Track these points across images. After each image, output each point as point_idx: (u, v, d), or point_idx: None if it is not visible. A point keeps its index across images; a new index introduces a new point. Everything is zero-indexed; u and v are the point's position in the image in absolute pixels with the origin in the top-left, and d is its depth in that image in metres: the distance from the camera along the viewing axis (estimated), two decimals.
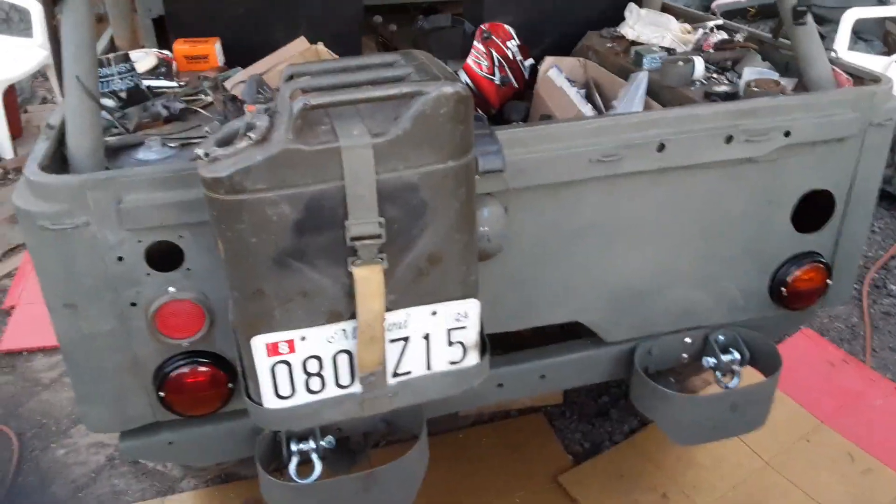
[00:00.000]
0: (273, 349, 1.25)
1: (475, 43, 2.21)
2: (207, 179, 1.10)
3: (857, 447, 2.37)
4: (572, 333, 1.84)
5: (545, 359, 1.81)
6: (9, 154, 4.31)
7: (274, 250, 1.16)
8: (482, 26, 2.24)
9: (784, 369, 1.77)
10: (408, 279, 1.24)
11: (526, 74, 2.30)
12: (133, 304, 1.41)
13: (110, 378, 1.47)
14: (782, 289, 1.79)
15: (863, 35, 4.88)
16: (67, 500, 2.29)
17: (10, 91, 4.34)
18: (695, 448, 2.36)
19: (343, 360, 1.30)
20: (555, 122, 1.96)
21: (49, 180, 1.30)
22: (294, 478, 1.52)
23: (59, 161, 1.39)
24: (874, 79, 1.75)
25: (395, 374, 1.33)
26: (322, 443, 1.56)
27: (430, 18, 2.72)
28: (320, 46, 1.99)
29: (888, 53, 4.62)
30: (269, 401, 1.30)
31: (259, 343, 1.24)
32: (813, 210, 1.74)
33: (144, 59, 1.95)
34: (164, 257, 1.38)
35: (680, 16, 2.42)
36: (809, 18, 1.72)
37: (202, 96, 1.81)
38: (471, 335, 1.35)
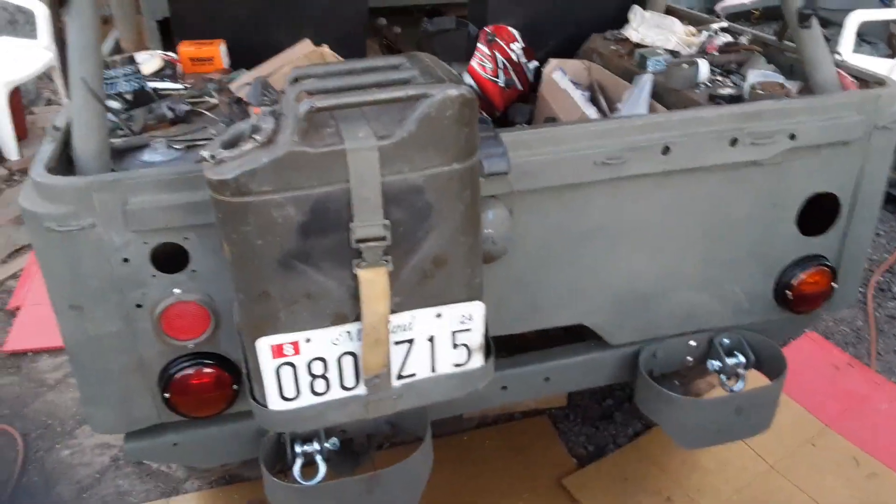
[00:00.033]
0: (278, 351, 1.25)
1: (479, 45, 2.21)
2: (213, 181, 1.11)
3: (863, 451, 2.36)
4: (577, 336, 1.84)
5: (549, 361, 1.81)
6: (14, 155, 4.32)
7: (279, 252, 1.16)
8: (486, 29, 2.24)
9: (789, 373, 1.76)
10: (413, 281, 1.24)
11: (530, 77, 2.30)
12: (138, 306, 1.41)
13: (116, 379, 1.47)
14: (787, 292, 1.79)
15: (867, 38, 4.88)
16: (72, 500, 2.29)
17: (16, 92, 4.35)
18: (699, 451, 2.35)
19: (348, 361, 1.30)
20: (559, 124, 1.96)
21: (55, 182, 1.30)
22: (298, 479, 1.53)
23: (65, 163, 1.39)
24: (879, 82, 1.75)
25: (400, 377, 1.33)
26: (326, 444, 1.56)
27: (434, 21, 2.73)
28: (325, 49, 2.00)
29: (892, 56, 4.61)
30: (274, 402, 1.30)
31: (264, 345, 1.24)
32: (818, 213, 1.74)
33: (150, 61, 1.95)
34: (170, 259, 1.38)
35: (684, 18, 2.42)
36: (814, 21, 1.71)
37: (207, 98, 1.82)
38: (475, 338, 1.35)
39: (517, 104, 2.29)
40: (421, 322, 1.29)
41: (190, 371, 1.47)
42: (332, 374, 1.30)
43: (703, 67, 1.98)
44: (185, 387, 1.48)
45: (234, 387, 1.51)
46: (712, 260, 1.73)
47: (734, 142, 1.58)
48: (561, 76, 2.16)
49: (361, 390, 1.33)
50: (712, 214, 1.67)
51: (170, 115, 1.69)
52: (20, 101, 4.54)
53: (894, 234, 3.65)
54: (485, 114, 1.82)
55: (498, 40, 2.23)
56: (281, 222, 1.13)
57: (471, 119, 1.16)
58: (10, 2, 4.59)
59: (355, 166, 1.12)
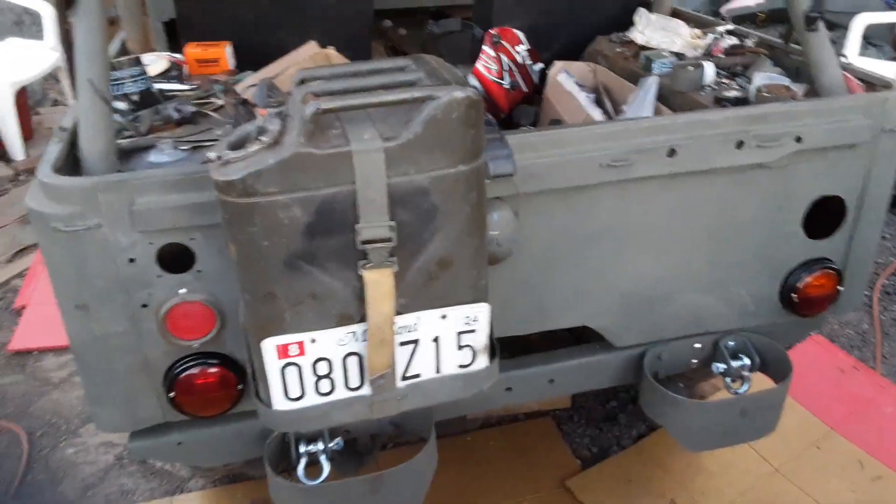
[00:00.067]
0: (283, 351, 1.25)
1: (484, 47, 2.21)
2: (219, 182, 1.11)
3: (867, 454, 2.36)
4: (581, 338, 1.84)
5: (554, 363, 1.81)
6: (20, 155, 4.34)
7: (285, 253, 1.16)
8: (491, 31, 2.24)
9: (794, 375, 1.76)
10: (418, 283, 1.24)
11: (535, 79, 2.30)
12: (144, 306, 1.41)
13: (121, 379, 1.48)
14: (793, 295, 1.79)
15: (873, 40, 4.86)
16: (76, 498, 2.30)
17: (22, 93, 4.37)
18: (703, 454, 2.35)
19: (353, 362, 1.30)
20: (565, 126, 1.96)
21: (62, 182, 1.31)
22: (302, 479, 1.53)
23: (71, 163, 1.40)
24: (886, 84, 1.75)
25: (405, 377, 1.34)
26: (331, 445, 1.57)
27: (439, 23, 2.73)
28: (331, 50, 2.00)
29: None
30: (279, 402, 1.31)
31: (269, 345, 1.24)
32: (824, 216, 1.73)
33: (156, 62, 1.96)
34: (176, 259, 1.39)
35: (690, 21, 2.42)
36: (821, 24, 1.71)
37: (213, 100, 1.82)
38: (480, 339, 1.35)
39: (522, 106, 2.29)
40: (426, 323, 1.29)
41: (195, 371, 1.47)
42: (337, 375, 1.31)
43: (709, 70, 1.98)
44: (190, 386, 1.48)
45: (239, 386, 1.51)
46: (718, 262, 1.73)
47: (740, 144, 1.58)
48: (566, 78, 2.16)
49: (366, 391, 1.33)
50: (718, 217, 1.67)
51: (176, 116, 1.70)
52: (26, 101, 4.56)
53: None
54: (490, 115, 1.82)
55: (503, 42, 2.23)
56: (287, 223, 1.14)
57: (476, 121, 1.16)
58: (17, 3, 4.61)
59: (361, 168, 1.12)
